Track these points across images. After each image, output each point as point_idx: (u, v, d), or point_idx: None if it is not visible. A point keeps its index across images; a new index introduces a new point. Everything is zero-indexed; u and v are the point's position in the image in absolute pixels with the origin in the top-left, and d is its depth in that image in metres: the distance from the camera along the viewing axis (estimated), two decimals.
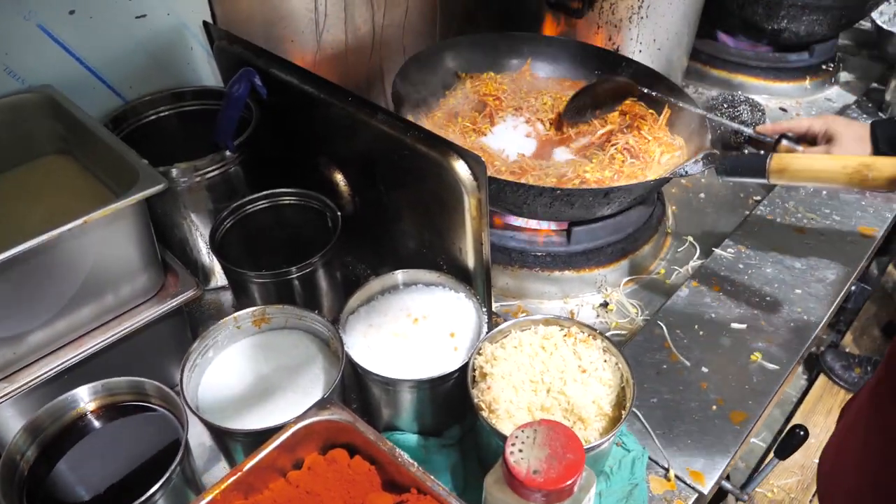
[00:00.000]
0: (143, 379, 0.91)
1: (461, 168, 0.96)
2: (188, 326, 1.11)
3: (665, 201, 1.50)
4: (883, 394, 1.03)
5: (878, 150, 1.26)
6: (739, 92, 1.83)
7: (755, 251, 1.38)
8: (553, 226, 1.32)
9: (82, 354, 0.96)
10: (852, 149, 1.27)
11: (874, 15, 2.08)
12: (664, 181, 1.25)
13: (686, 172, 1.24)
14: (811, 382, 2.58)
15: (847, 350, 2.66)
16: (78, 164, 1.09)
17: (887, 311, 2.83)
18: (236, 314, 0.99)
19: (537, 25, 1.68)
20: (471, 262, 1.06)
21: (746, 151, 1.26)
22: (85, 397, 0.90)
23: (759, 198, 1.57)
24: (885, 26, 2.07)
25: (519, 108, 1.47)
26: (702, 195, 1.59)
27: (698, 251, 1.43)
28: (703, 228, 1.49)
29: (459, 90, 1.53)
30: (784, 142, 1.36)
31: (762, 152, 1.23)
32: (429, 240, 1.12)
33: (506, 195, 1.21)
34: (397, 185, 1.11)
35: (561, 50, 1.61)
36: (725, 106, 1.69)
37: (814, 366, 2.62)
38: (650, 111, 1.47)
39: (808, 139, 1.35)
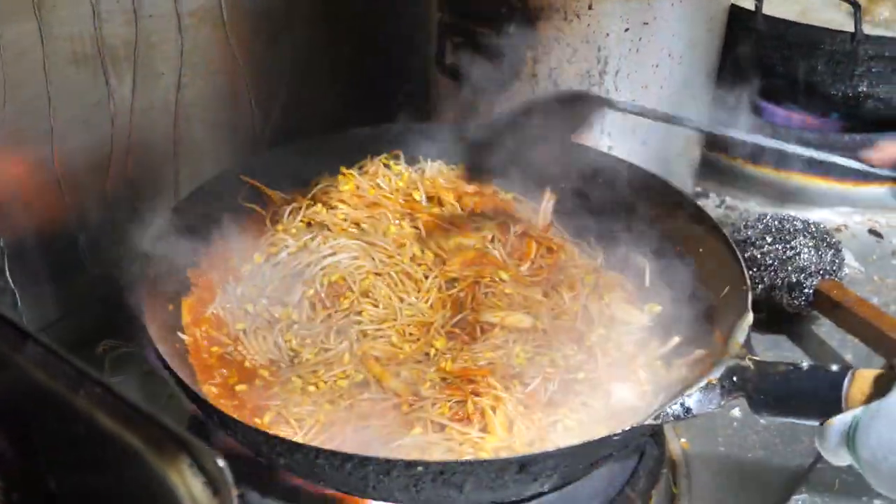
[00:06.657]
0: None
1: (191, 482, 0.43)
2: None
3: (663, 433, 0.84)
4: None
5: None
6: (792, 214, 1.07)
7: None
8: None
9: None
10: None
11: None
12: (609, 445, 0.63)
13: (689, 411, 0.63)
14: None
15: None
16: None
17: None
18: None
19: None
20: None
21: (806, 365, 0.61)
22: None
23: None
24: None
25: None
26: (736, 412, 0.91)
27: None
28: (740, 487, 0.82)
29: None
30: None
31: (836, 367, 0.60)
32: None
33: (324, 471, 0.63)
34: (77, 476, 0.56)
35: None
36: (769, 240, 1.02)
37: None
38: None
39: None
